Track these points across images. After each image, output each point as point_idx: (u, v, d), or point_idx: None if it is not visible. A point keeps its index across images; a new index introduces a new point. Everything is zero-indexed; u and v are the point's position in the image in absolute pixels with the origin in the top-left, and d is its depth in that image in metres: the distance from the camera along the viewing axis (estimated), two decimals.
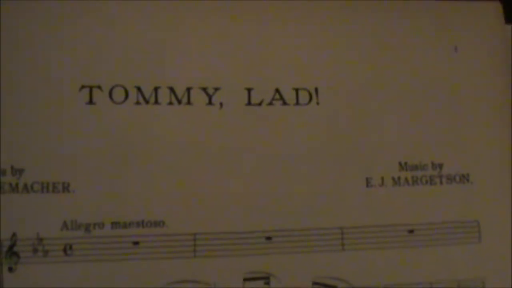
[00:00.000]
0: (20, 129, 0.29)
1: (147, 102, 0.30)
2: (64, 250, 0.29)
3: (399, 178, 0.31)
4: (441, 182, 0.31)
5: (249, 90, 0.31)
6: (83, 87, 0.29)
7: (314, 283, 0.30)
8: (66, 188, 0.29)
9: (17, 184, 0.29)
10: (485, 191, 0.31)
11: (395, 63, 0.32)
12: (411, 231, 0.30)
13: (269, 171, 0.30)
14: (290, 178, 0.30)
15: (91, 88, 0.30)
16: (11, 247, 0.29)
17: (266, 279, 0.29)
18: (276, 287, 0.29)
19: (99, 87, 0.30)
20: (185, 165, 0.29)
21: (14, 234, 0.29)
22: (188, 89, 0.30)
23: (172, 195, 0.29)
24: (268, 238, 0.29)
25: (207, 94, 0.30)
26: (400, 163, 0.31)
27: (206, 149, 0.30)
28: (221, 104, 0.30)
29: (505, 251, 0.31)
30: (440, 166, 0.31)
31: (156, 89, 0.30)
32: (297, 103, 0.31)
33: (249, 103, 0.30)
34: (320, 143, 0.30)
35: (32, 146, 0.29)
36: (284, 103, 0.31)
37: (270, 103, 0.30)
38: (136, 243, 0.29)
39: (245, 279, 0.29)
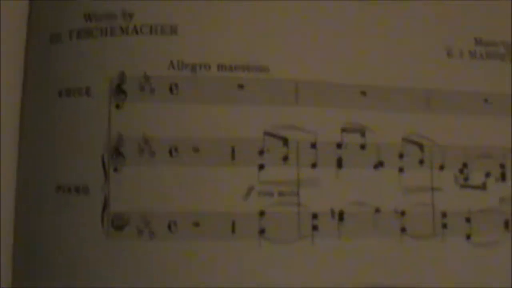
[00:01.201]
0: None
1: None
2: (170, 89, 0.29)
3: (475, 51, 0.34)
4: None
5: None
6: None
7: (403, 139, 0.31)
8: (173, 30, 0.29)
9: (127, 27, 0.29)
10: None
11: None
12: (486, 101, 0.33)
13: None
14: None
15: None
16: (119, 85, 0.28)
17: (362, 131, 0.31)
18: (370, 140, 0.31)
19: None
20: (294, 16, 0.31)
21: (122, 73, 0.28)
22: None
23: (277, 40, 0.30)
24: (363, 93, 0.31)
25: None
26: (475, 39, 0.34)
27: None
28: None
29: None
30: None
31: None
32: None
33: None
34: None
35: None
36: None
37: None
38: (241, 86, 0.29)
39: (343, 130, 0.30)
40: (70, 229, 0.28)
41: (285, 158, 0.29)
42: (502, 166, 0.33)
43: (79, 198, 0.28)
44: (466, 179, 0.32)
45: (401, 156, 0.31)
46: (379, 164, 0.31)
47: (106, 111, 0.28)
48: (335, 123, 0.30)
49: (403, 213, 0.31)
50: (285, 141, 0.29)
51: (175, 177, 0.28)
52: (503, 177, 0.33)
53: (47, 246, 0.28)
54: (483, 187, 0.32)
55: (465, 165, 0.32)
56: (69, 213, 0.28)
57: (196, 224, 0.28)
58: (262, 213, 0.29)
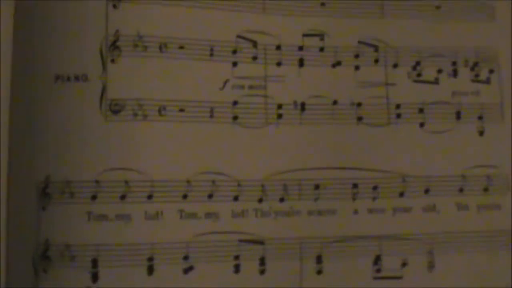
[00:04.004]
0: None
1: None
2: None
3: None
4: None
5: None
6: None
7: (360, 42, 0.36)
8: None
9: None
10: None
11: None
12: (438, 7, 0.37)
13: None
14: None
15: None
16: None
17: (321, 36, 0.36)
18: (328, 43, 0.36)
19: None
20: None
21: None
22: None
23: None
24: (323, 4, 0.36)
25: None
26: None
27: None
28: None
29: None
30: None
31: None
32: None
33: None
34: None
35: None
36: None
37: None
38: None
39: (304, 35, 0.36)
40: (70, 115, 0.33)
41: (255, 58, 0.35)
42: (454, 63, 0.37)
43: (79, 85, 0.34)
44: (419, 75, 0.37)
45: (356, 56, 0.36)
46: (336, 64, 0.36)
47: (104, 9, 0.34)
48: (297, 29, 0.36)
49: (359, 105, 0.36)
50: (254, 43, 0.35)
51: (164, 69, 0.34)
52: (454, 73, 0.37)
53: (47, 132, 0.33)
54: (435, 81, 0.37)
55: (418, 63, 0.37)
56: (68, 99, 0.33)
57: (182, 110, 0.34)
58: (235, 103, 0.35)
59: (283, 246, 0.34)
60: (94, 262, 0.32)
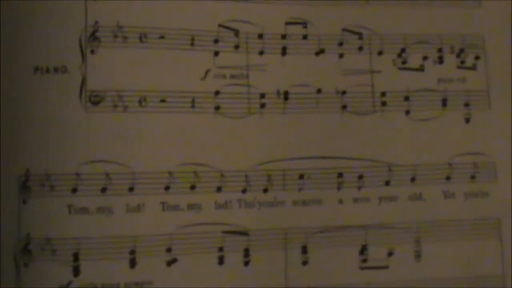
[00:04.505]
0: None
1: None
2: None
3: None
4: None
5: None
6: None
7: (344, 30, 0.36)
8: None
9: None
10: None
11: None
12: None
13: None
14: None
15: None
16: None
17: (304, 24, 0.36)
18: (312, 31, 0.36)
19: None
20: None
21: None
22: None
23: None
24: None
25: None
26: None
27: None
28: None
29: None
30: None
31: None
32: None
33: None
34: None
35: None
36: None
37: None
38: None
39: (286, 23, 0.35)
40: (50, 107, 0.33)
41: (236, 47, 0.35)
42: (440, 50, 0.36)
43: (58, 77, 0.33)
44: (404, 62, 0.36)
45: (340, 44, 0.36)
46: (320, 52, 0.36)
47: (83, 0, 0.34)
48: (280, 18, 0.35)
49: (343, 93, 0.35)
50: (236, 32, 0.35)
51: (145, 59, 0.34)
52: (440, 60, 0.37)
53: (27, 124, 0.32)
54: (421, 69, 0.36)
55: (403, 50, 0.36)
56: (48, 91, 0.33)
57: (163, 100, 0.34)
58: (217, 92, 0.34)
59: (267, 237, 0.34)
60: (76, 256, 0.32)
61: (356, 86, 0.36)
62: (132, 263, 0.32)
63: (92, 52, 0.33)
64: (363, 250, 0.35)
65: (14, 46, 0.33)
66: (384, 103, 0.36)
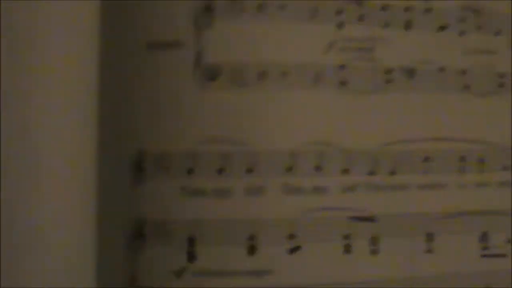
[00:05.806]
0: None
1: None
2: None
3: None
4: None
5: None
6: None
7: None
8: None
9: None
10: None
11: None
12: None
13: None
14: None
15: None
16: None
17: None
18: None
19: None
20: None
21: None
22: None
23: None
24: None
25: None
26: None
27: None
28: None
29: None
30: None
31: None
32: None
33: None
34: None
35: None
36: None
37: None
38: None
39: None
40: (164, 84, 0.31)
41: (361, 19, 0.32)
42: None
43: (172, 53, 0.31)
44: None
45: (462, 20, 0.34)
46: (442, 27, 0.33)
47: None
48: None
49: (464, 72, 0.33)
50: (359, 1, 0.32)
51: (263, 31, 0.31)
52: None
53: (140, 103, 0.31)
54: None
55: None
56: (161, 68, 0.31)
57: (284, 74, 0.31)
58: (342, 66, 0.32)
59: (394, 223, 0.32)
60: (191, 240, 0.30)
61: (476, 67, 0.34)
62: (251, 250, 0.30)
63: (207, 25, 0.32)
64: (483, 237, 0.33)
65: (125, 22, 0.31)
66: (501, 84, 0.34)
